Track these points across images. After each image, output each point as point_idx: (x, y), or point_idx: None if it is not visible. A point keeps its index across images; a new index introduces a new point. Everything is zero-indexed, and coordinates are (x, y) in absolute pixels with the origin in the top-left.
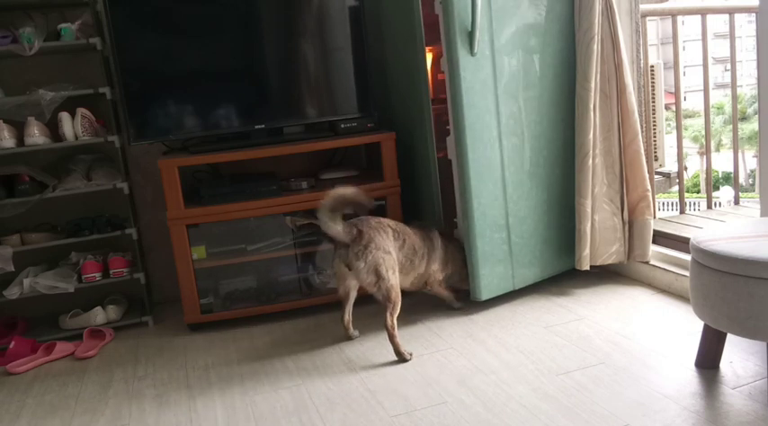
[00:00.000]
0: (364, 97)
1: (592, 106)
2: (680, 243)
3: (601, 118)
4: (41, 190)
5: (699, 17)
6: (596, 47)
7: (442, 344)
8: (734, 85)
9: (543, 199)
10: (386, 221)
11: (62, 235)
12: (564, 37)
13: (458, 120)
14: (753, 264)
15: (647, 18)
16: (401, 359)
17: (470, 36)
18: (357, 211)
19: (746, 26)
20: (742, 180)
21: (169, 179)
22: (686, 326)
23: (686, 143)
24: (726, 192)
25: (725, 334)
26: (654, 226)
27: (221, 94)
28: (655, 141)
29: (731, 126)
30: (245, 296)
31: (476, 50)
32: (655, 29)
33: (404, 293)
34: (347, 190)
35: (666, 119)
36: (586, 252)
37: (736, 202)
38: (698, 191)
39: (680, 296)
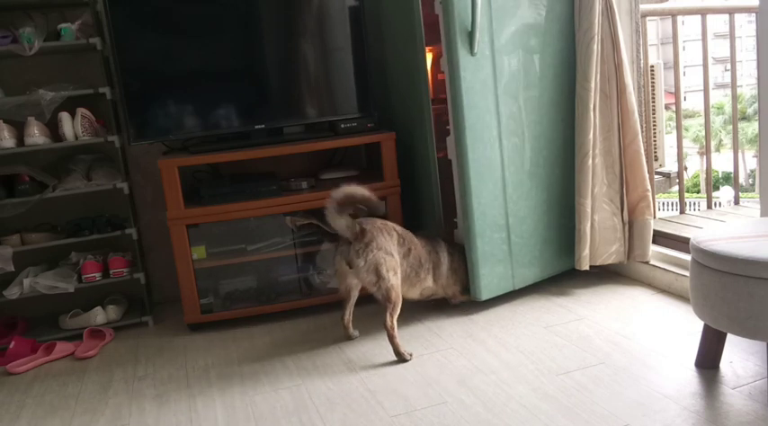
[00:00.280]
0: (364, 97)
1: (592, 106)
2: (680, 243)
3: (601, 118)
4: (41, 190)
5: (699, 17)
6: (596, 47)
7: (442, 344)
8: (734, 85)
9: (543, 199)
10: (392, 225)
11: (62, 235)
12: (564, 37)
13: (458, 120)
14: (753, 264)
15: (647, 18)
16: (401, 359)
17: (470, 36)
18: (371, 211)
19: (746, 26)
20: (742, 180)
21: (169, 179)
22: (686, 326)
23: (686, 143)
24: (726, 192)
25: (725, 334)
26: (654, 226)
27: (221, 94)
28: (655, 141)
29: (731, 126)
30: (245, 296)
31: (476, 50)
32: (655, 29)
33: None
34: (359, 190)
35: (668, 120)
36: (586, 252)
37: (736, 202)
38: (698, 191)
39: (680, 296)
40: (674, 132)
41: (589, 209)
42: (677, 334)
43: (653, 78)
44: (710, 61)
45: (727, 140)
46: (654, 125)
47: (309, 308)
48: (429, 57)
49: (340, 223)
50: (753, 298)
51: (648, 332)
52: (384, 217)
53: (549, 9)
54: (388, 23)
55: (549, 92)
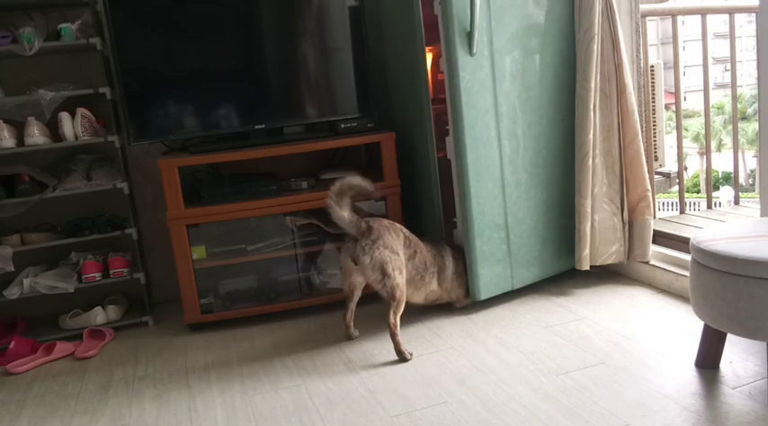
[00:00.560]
0: (364, 97)
1: (592, 106)
2: (680, 243)
3: (601, 118)
4: (41, 190)
5: (699, 17)
6: (596, 47)
7: (442, 344)
8: (734, 85)
9: (542, 199)
10: (399, 226)
11: (62, 235)
12: (564, 37)
13: (457, 120)
14: (753, 264)
15: (647, 18)
16: (402, 358)
17: (469, 36)
18: (366, 197)
19: (746, 26)
20: (742, 180)
21: (169, 179)
22: (686, 326)
23: (686, 143)
24: (726, 192)
25: (725, 334)
26: (654, 226)
27: (221, 94)
28: (655, 141)
29: (731, 126)
30: (245, 296)
31: (475, 50)
32: (655, 29)
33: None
34: (354, 178)
35: (668, 119)
36: (586, 252)
37: (736, 202)
38: (698, 191)
39: (680, 296)
40: (674, 132)
41: (589, 209)
42: (677, 334)
43: (653, 78)
44: (710, 61)
45: (728, 140)
46: (654, 125)
47: (309, 308)
48: (429, 57)
49: (341, 214)
50: (753, 298)
51: (648, 332)
52: (384, 215)
53: (548, 9)
54: (388, 23)
55: (549, 92)
